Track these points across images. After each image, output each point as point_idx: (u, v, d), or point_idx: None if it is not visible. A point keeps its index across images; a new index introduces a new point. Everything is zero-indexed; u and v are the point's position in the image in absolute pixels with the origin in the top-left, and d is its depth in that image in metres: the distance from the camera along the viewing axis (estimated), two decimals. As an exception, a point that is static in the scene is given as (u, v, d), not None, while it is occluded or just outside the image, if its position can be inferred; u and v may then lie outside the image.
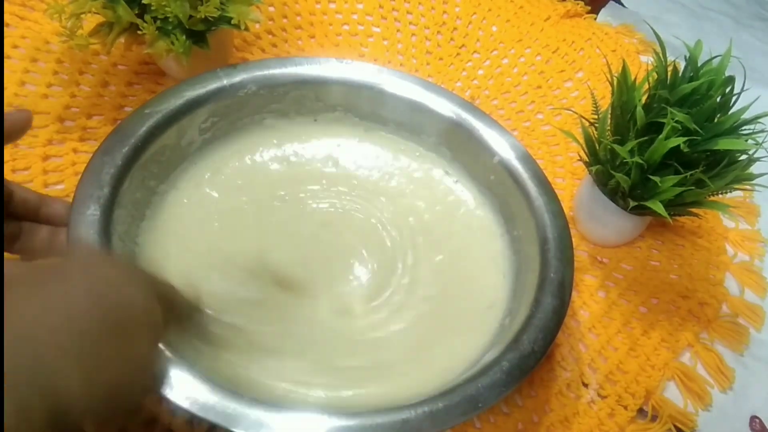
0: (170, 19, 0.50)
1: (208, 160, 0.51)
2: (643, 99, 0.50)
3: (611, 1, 0.83)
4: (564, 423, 0.47)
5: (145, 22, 0.50)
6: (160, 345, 0.34)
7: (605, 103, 0.53)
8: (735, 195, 0.64)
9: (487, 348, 0.44)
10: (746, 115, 0.48)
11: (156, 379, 0.32)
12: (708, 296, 0.56)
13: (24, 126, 0.38)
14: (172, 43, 0.51)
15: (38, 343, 0.25)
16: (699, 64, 0.49)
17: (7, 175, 0.50)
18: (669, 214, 0.48)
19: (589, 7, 0.80)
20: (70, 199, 0.42)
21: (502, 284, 0.49)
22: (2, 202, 0.39)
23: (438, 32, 0.73)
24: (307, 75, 0.53)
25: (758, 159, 0.48)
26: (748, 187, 0.50)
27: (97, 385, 0.27)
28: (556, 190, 0.50)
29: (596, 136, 0.52)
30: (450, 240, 0.51)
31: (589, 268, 0.57)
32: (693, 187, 0.47)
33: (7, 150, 0.51)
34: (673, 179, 0.47)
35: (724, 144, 0.47)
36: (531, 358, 0.40)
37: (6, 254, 0.40)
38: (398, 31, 0.72)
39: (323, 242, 0.49)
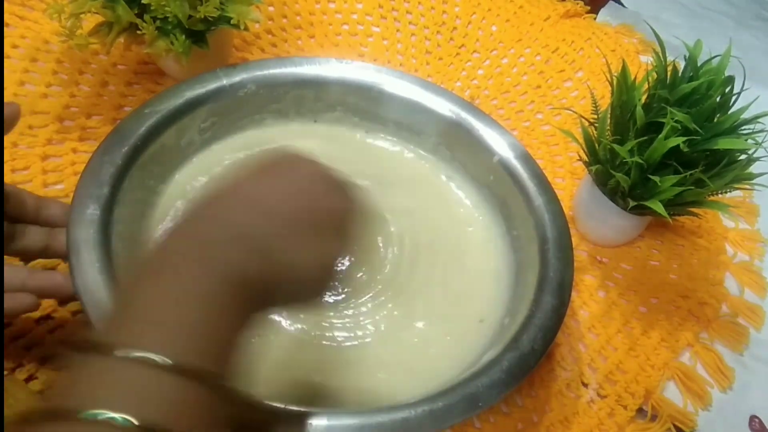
0: (170, 19, 0.50)
1: (208, 160, 0.51)
2: (643, 99, 0.50)
3: (611, 1, 0.83)
4: (564, 423, 0.47)
5: (145, 21, 0.50)
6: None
7: (605, 102, 0.53)
8: (735, 195, 0.64)
9: (486, 348, 0.44)
10: (746, 115, 0.48)
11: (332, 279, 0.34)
12: (708, 296, 0.56)
13: (14, 119, 0.39)
14: (172, 42, 0.51)
15: (268, 220, 0.29)
16: (699, 64, 0.49)
17: (7, 175, 0.50)
18: (669, 213, 0.48)
19: (589, 7, 0.80)
20: (69, 199, 0.42)
21: (501, 284, 0.49)
22: (2, 203, 0.39)
23: (437, 32, 0.73)
24: (307, 75, 0.53)
25: (758, 159, 0.48)
26: (747, 186, 0.50)
27: (294, 262, 0.30)
28: (556, 190, 0.50)
29: (596, 135, 0.52)
30: (449, 240, 0.51)
31: (589, 267, 0.57)
32: (693, 187, 0.47)
33: (7, 150, 0.51)
34: (672, 179, 0.47)
35: (723, 144, 0.47)
36: (531, 357, 0.40)
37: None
38: (398, 30, 0.72)
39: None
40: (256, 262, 0.28)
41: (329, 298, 0.46)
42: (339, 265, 0.33)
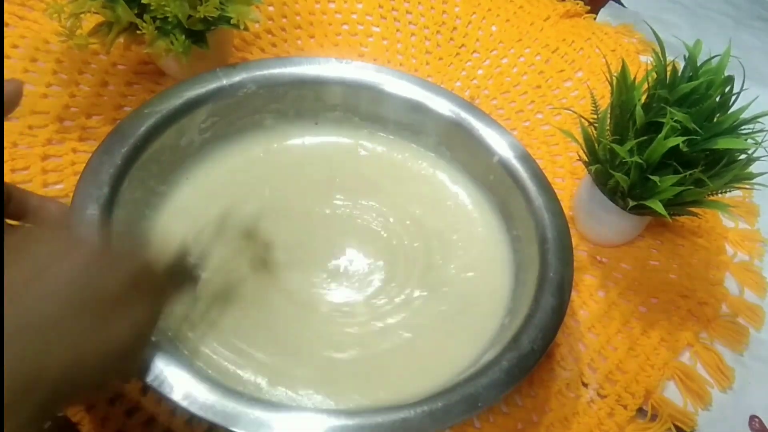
0: (169, 19, 0.50)
1: (208, 160, 0.51)
2: (643, 99, 0.50)
3: (611, 1, 0.83)
4: (564, 422, 0.47)
5: (145, 21, 0.50)
6: (147, 332, 0.33)
7: (605, 102, 0.53)
8: (734, 194, 0.64)
9: (486, 347, 0.44)
10: (745, 115, 0.48)
11: (137, 362, 0.32)
12: (708, 296, 0.56)
13: (16, 95, 0.37)
14: (172, 42, 0.51)
15: (27, 311, 0.26)
16: (698, 64, 0.49)
17: (7, 175, 0.50)
18: (668, 213, 0.48)
19: (589, 7, 0.80)
20: (69, 199, 0.42)
21: (501, 284, 0.49)
22: (2, 204, 0.39)
23: (437, 32, 0.73)
24: (307, 75, 0.53)
25: (757, 158, 0.48)
26: (747, 186, 0.50)
27: (82, 355, 0.27)
28: (556, 190, 0.50)
29: (595, 135, 0.52)
30: (449, 240, 0.51)
31: (589, 267, 0.57)
32: (692, 187, 0.47)
33: (7, 150, 0.51)
34: (672, 179, 0.47)
35: (723, 143, 0.47)
36: (530, 357, 0.40)
37: None
38: (398, 30, 0.72)
39: (322, 242, 0.49)
40: (39, 354, 0.25)
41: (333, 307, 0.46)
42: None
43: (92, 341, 0.28)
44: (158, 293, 0.32)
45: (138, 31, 0.50)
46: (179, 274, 0.34)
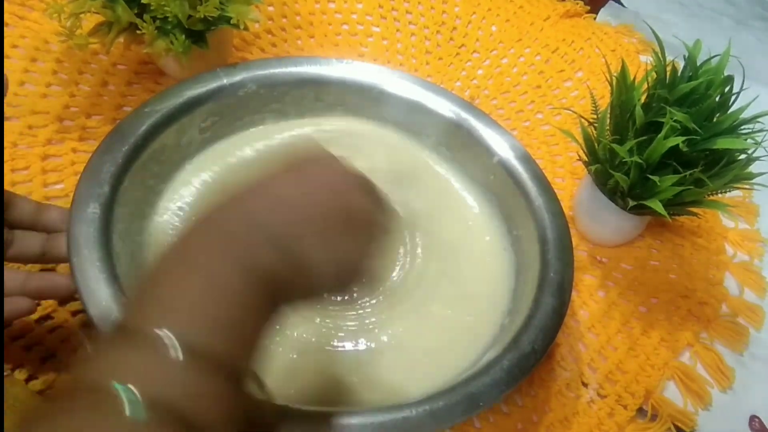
0: (169, 19, 0.50)
1: (208, 160, 0.51)
2: (643, 98, 0.50)
3: (611, 1, 0.83)
4: (564, 422, 0.47)
5: (145, 21, 0.50)
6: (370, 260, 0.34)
7: (604, 102, 0.53)
8: (734, 194, 0.64)
9: (486, 348, 0.44)
10: (745, 115, 0.48)
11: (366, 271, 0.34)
12: (708, 296, 0.56)
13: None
14: (172, 42, 0.51)
15: (296, 220, 0.29)
16: (698, 64, 0.49)
17: (7, 175, 0.50)
18: (668, 213, 0.48)
19: (589, 7, 0.80)
20: (69, 199, 0.42)
21: (501, 284, 0.49)
22: (2, 205, 0.39)
23: (437, 32, 0.73)
24: (307, 74, 0.53)
25: (757, 158, 0.48)
26: (747, 186, 0.50)
27: (331, 259, 0.30)
28: (556, 190, 0.50)
29: (595, 135, 0.52)
30: (449, 240, 0.51)
31: (589, 267, 0.57)
32: (692, 187, 0.47)
33: (7, 150, 0.51)
34: (672, 178, 0.47)
35: (723, 143, 0.47)
36: (531, 357, 0.40)
37: None
38: (398, 30, 0.72)
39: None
40: (279, 258, 0.28)
41: (336, 298, 0.46)
42: (363, 266, 0.33)
43: (340, 249, 0.31)
44: (382, 231, 0.34)
45: (138, 31, 0.50)
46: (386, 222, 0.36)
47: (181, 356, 0.23)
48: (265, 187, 0.30)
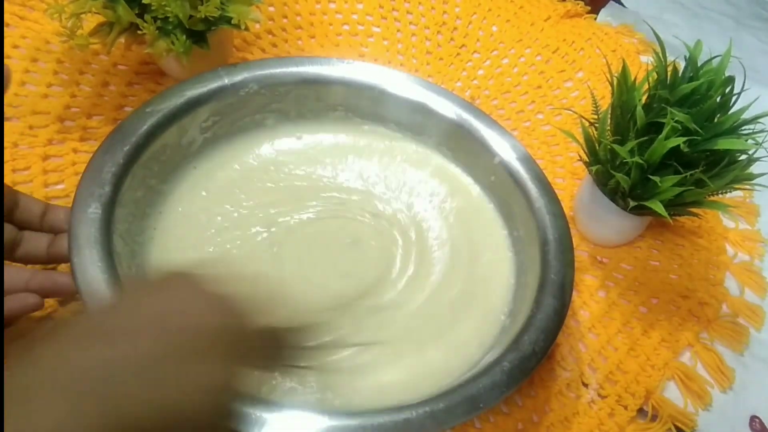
0: (170, 19, 0.50)
1: (209, 159, 0.51)
2: (643, 99, 0.50)
3: (611, 1, 0.83)
4: (564, 423, 0.47)
5: (145, 21, 0.50)
6: (236, 382, 0.30)
7: (605, 103, 0.53)
8: (735, 195, 0.64)
9: (487, 349, 0.44)
10: (746, 115, 0.48)
11: (225, 414, 0.31)
12: (708, 296, 0.57)
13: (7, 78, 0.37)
14: (173, 42, 0.51)
15: (103, 357, 0.25)
16: (699, 64, 0.49)
17: (7, 175, 0.50)
18: (669, 214, 0.48)
19: (589, 7, 0.80)
20: (70, 199, 0.42)
21: (502, 285, 0.49)
22: (2, 208, 0.39)
23: (438, 32, 0.73)
24: (309, 75, 0.53)
25: (758, 159, 0.48)
26: (747, 186, 0.50)
27: (156, 404, 0.26)
28: (556, 190, 0.50)
29: (596, 136, 0.52)
30: (450, 241, 0.51)
31: (590, 268, 0.57)
32: (693, 187, 0.47)
33: (7, 150, 0.51)
34: (673, 179, 0.47)
35: (723, 144, 0.47)
36: (532, 359, 0.40)
37: (6, 261, 0.40)
38: (398, 31, 0.72)
39: (323, 240, 0.49)
40: (141, 397, 0.25)
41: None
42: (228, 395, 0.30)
43: (173, 388, 0.27)
44: (248, 361, 0.31)
45: (139, 32, 0.50)
46: (273, 350, 0.33)
47: None
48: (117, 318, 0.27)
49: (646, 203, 0.48)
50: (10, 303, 0.37)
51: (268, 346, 0.31)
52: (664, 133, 0.46)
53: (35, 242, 0.41)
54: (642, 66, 0.73)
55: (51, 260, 0.41)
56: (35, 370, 0.24)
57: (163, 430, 0.26)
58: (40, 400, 0.23)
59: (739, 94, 0.48)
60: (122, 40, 0.53)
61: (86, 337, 0.26)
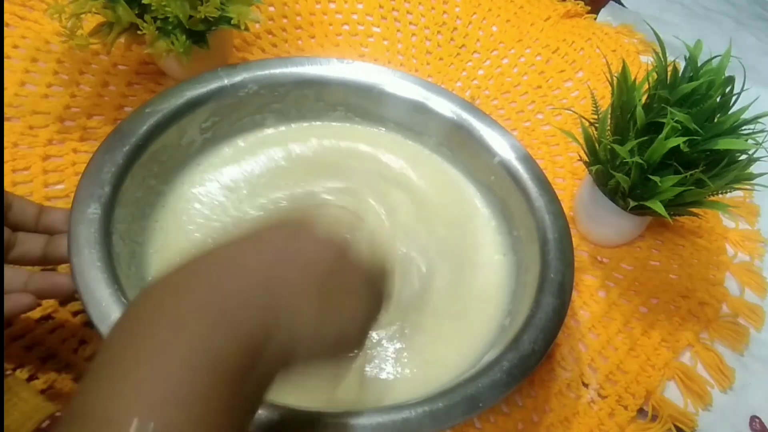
0: (170, 19, 0.50)
1: (209, 160, 0.51)
2: (643, 99, 0.50)
3: (611, 1, 0.83)
4: (564, 423, 0.47)
5: (145, 22, 0.50)
6: (366, 328, 0.33)
7: (605, 103, 0.53)
8: (735, 195, 0.64)
9: (487, 348, 0.44)
10: (746, 115, 0.48)
11: (364, 341, 0.33)
12: (708, 296, 0.56)
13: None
14: (172, 43, 0.51)
15: (273, 283, 0.27)
16: (699, 64, 0.49)
17: (8, 175, 0.50)
18: (669, 214, 0.48)
19: (589, 7, 0.80)
20: (70, 199, 0.42)
21: (502, 285, 0.49)
22: (2, 207, 0.39)
23: (438, 32, 0.73)
24: (308, 75, 0.53)
25: (758, 159, 0.48)
26: (748, 186, 0.50)
27: (322, 330, 0.28)
28: (556, 190, 0.50)
29: (596, 136, 0.52)
30: (449, 241, 0.51)
31: (590, 268, 0.57)
32: (693, 187, 0.47)
33: (7, 150, 0.52)
34: (673, 179, 0.47)
35: (724, 144, 0.47)
36: (531, 358, 0.40)
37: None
38: (398, 31, 0.72)
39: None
40: (273, 319, 0.26)
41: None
42: (361, 338, 0.32)
43: (329, 321, 0.29)
44: (378, 301, 0.33)
45: (139, 32, 0.50)
46: (383, 292, 0.34)
47: None
48: (255, 241, 0.28)
49: (646, 203, 0.48)
50: (7, 303, 0.37)
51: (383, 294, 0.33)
52: (664, 133, 0.46)
53: (30, 244, 0.41)
54: (642, 66, 0.73)
55: (47, 261, 0.41)
56: (187, 298, 0.25)
57: (325, 352, 0.29)
58: (193, 328, 0.24)
59: (739, 94, 0.49)
60: (122, 40, 0.53)
61: (232, 266, 0.27)
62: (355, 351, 0.32)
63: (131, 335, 0.24)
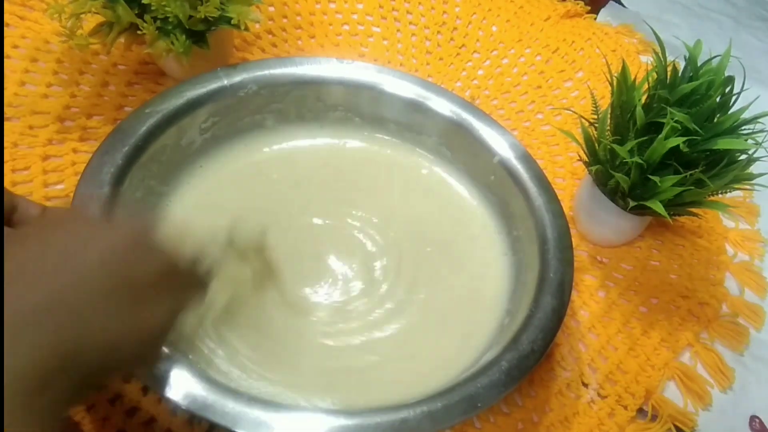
0: (170, 19, 0.50)
1: (208, 160, 0.51)
2: (643, 99, 0.50)
3: (611, 1, 0.83)
4: (564, 423, 0.47)
5: (145, 21, 0.50)
6: (168, 325, 0.32)
7: (605, 103, 0.53)
8: (735, 195, 0.64)
9: (486, 348, 0.44)
10: (746, 115, 0.48)
11: (158, 353, 0.32)
12: (708, 296, 0.56)
13: None
14: (172, 43, 0.51)
15: (53, 296, 0.26)
16: (699, 64, 0.49)
17: (7, 175, 0.50)
18: (669, 213, 0.48)
19: (589, 7, 0.80)
20: (70, 199, 0.42)
21: (501, 284, 0.49)
22: (2, 207, 0.39)
23: (438, 32, 0.73)
24: (308, 75, 0.53)
25: (758, 159, 0.48)
26: (747, 186, 0.50)
27: (114, 338, 0.28)
28: (556, 190, 0.50)
29: (596, 136, 0.52)
30: (449, 240, 0.51)
31: (589, 268, 0.57)
32: (693, 187, 0.47)
33: (7, 150, 0.52)
34: (672, 179, 0.47)
35: (723, 144, 0.47)
36: (530, 358, 0.40)
37: None
38: (398, 31, 0.72)
39: (321, 240, 0.49)
40: (76, 332, 0.26)
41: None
42: (163, 337, 0.31)
43: (123, 325, 0.28)
44: (181, 291, 0.33)
45: (138, 32, 0.50)
46: (195, 278, 0.34)
47: None
48: (45, 252, 0.27)
49: (646, 203, 0.48)
50: None
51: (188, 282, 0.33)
52: (663, 132, 0.46)
53: None
54: (642, 66, 0.73)
55: None
56: None
57: (102, 366, 0.28)
58: None
59: (738, 93, 0.48)
60: (122, 40, 0.53)
61: (16, 281, 0.26)
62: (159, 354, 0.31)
63: None
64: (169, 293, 0.31)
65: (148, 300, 0.29)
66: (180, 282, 0.32)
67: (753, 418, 0.51)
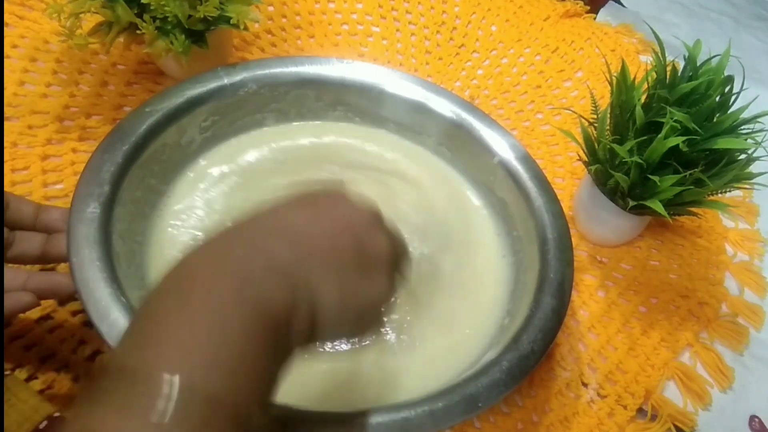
0: (169, 19, 0.50)
1: (208, 159, 0.51)
2: (643, 98, 0.50)
3: (611, 1, 0.83)
4: (564, 423, 0.47)
5: (144, 21, 0.50)
6: (387, 300, 0.33)
7: (604, 102, 0.53)
8: (734, 194, 0.64)
9: (486, 348, 0.44)
10: (745, 115, 0.48)
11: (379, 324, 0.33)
12: (708, 296, 0.56)
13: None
14: (172, 42, 0.51)
15: (306, 254, 0.28)
16: (698, 64, 0.49)
17: (7, 175, 0.50)
18: (668, 213, 0.48)
19: (589, 7, 0.80)
20: (69, 199, 0.42)
21: (501, 284, 0.49)
22: (2, 207, 0.39)
23: (437, 32, 0.73)
24: (308, 74, 0.53)
25: (757, 158, 0.48)
26: (747, 186, 0.50)
27: (347, 302, 0.29)
28: (556, 190, 0.50)
29: (595, 135, 0.52)
30: (449, 240, 0.51)
31: (589, 267, 0.57)
32: (692, 187, 0.47)
33: (7, 150, 0.51)
34: (672, 179, 0.47)
35: (723, 143, 0.47)
36: (531, 358, 0.40)
37: None
38: (397, 30, 0.72)
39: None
40: (290, 296, 0.27)
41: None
42: (382, 315, 0.32)
43: (356, 289, 0.29)
44: (394, 278, 0.33)
45: (138, 31, 0.50)
46: (402, 270, 0.35)
47: (179, 404, 0.22)
48: (278, 220, 0.29)
49: (646, 203, 0.48)
50: (7, 301, 0.37)
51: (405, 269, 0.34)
52: (663, 132, 0.46)
53: (28, 242, 0.40)
54: (641, 66, 0.73)
55: (45, 260, 0.41)
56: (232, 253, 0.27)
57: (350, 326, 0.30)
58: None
59: (738, 93, 0.49)
60: (121, 39, 0.53)
61: (270, 236, 0.28)
62: (373, 334, 0.33)
63: (179, 281, 0.26)
64: (388, 277, 0.32)
65: (372, 276, 0.30)
66: (396, 269, 0.33)
67: (752, 418, 0.51)
